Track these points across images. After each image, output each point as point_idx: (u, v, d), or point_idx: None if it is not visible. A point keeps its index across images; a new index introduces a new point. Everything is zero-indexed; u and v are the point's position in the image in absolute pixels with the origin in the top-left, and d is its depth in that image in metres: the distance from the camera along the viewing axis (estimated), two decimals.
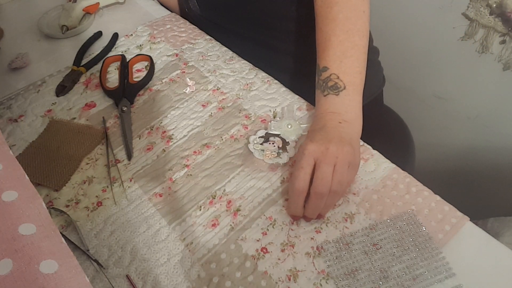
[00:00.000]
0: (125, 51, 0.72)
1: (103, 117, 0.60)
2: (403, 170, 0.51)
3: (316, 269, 0.43)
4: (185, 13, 0.80)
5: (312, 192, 0.43)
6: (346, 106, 0.49)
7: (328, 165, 0.43)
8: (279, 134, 0.55)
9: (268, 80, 0.64)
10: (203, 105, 0.61)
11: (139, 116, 0.60)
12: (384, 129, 0.83)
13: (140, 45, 0.73)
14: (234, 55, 0.69)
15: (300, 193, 0.44)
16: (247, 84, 0.63)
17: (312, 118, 0.53)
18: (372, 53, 0.77)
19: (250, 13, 0.69)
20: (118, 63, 0.69)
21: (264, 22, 0.69)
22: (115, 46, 0.73)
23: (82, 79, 0.67)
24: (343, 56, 0.50)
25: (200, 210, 0.49)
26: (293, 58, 0.72)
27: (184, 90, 0.64)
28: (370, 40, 0.76)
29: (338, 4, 0.51)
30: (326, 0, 0.52)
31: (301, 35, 0.68)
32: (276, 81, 0.64)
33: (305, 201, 0.45)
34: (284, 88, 0.62)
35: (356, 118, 0.49)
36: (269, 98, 0.61)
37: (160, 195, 0.50)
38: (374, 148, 0.54)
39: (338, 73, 0.50)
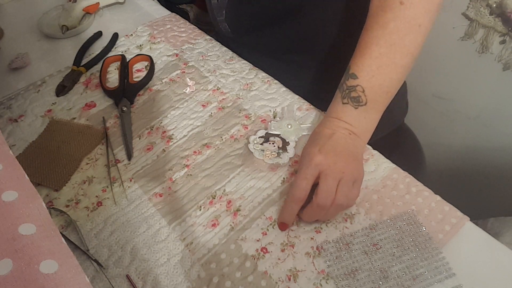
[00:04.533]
0: (125, 51, 0.72)
1: (103, 117, 0.60)
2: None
3: (316, 269, 0.43)
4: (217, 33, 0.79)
5: (315, 203, 0.43)
6: (360, 121, 0.48)
7: (334, 180, 0.43)
8: (279, 134, 0.55)
9: (268, 80, 0.64)
10: (203, 105, 0.61)
11: (139, 116, 0.60)
12: (398, 146, 0.81)
13: (140, 45, 0.73)
14: (234, 55, 0.69)
15: (299, 202, 0.44)
16: (247, 84, 0.63)
17: (323, 118, 0.51)
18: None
19: (285, 35, 0.66)
20: (118, 63, 0.69)
21: (298, 43, 0.67)
22: (115, 46, 0.73)
23: (82, 79, 0.67)
24: (377, 71, 0.47)
25: (200, 210, 0.49)
26: (323, 77, 0.69)
27: (184, 90, 0.64)
28: None
29: (393, 11, 0.47)
30: (383, 3, 0.48)
31: (336, 56, 0.65)
32: (276, 81, 0.64)
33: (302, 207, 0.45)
34: (284, 88, 0.62)
35: (366, 133, 0.49)
36: (269, 98, 0.61)
37: (160, 195, 0.50)
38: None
39: (365, 87, 0.47)
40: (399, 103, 0.78)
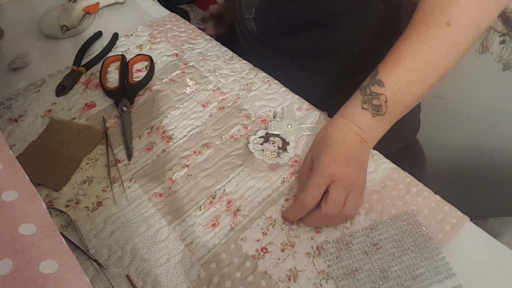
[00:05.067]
0: (125, 51, 0.72)
1: (103, 117, 0.60)
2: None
3: (316, 269, 0.43)
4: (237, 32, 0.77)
5: (323, 212, 0.43)
6: (374, 130, 0.48)
7: (344, 191, 0.43)
8: (279, 134, 0.55)
9: (268, 80, 0.64)
10: (203, 105, 0.61)
11: (139, 116, 0.60)
12: (404, 162, 0.80)
13: (140, 45, 0.73)
14: (234, 55, 0.69)
15: (307, 209, 0.44)
16: (247, 84, 0.63)
17: (336, 117, 0.50)
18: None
19: (313, 42, 0.64)
20: (118, 63, 0.69)
21: (325, 52, 0.65)
22: (115, 46, 0.73)
23: (82, 79, 0.67)
24: (405, 85, 0.46)
25: (200, 210, 0.49)
26: (341, 87, 0.66)
27: (184, 90, 0.64)
28: None
29: (438, 29, 0.44)
30: (428, 18, 0.45)
31: (360, 68, 0.61)
32: (276, 81, 0.64)
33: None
34: (284, 88, 0.62)
35: (374, 141, 0.49)
36: (269, 98, 0.61)
37: (160, 195, 0.50)
38: None
39: (388, 98, 0.46)
40: (411, 121, 0.77)
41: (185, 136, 0.57)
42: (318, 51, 0.66)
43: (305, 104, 0.60)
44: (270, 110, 0.59)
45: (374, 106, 0.47)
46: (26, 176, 0.28)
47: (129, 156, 0.55)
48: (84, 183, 0.52)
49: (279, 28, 0.66)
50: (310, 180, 0.44)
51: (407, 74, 0.46)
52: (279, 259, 0.44)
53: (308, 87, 0.64)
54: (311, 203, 0.43)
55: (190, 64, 0.68)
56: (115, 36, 0.74)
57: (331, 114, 0.59)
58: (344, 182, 0.43)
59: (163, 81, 0.66)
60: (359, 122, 0.47)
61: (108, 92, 0.64)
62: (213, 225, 0.47)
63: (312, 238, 0.45)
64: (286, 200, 0.49)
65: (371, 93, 0.47)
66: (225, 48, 0.71)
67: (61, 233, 0.29)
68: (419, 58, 0.45)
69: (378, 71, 0.47)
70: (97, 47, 0.73)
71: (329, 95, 0.68)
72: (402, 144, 0.76)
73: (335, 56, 0.65)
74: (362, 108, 0.48)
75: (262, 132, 0.56)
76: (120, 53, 0.71)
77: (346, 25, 0.60)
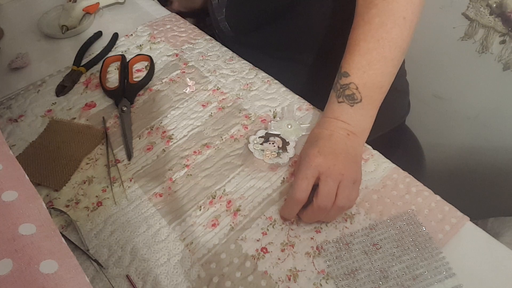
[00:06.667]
0: (125, 51, 0.72)
1: (103, 117, 0.60)
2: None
3: (316, 269, 0.43)
4: (215, 34, 0.79)
5: (316, 205, 0.43)
6: (358, 119, 0.48)
7: (333, 181, 0.43)
8: (279, 134, 0.55)
9: (268, 80, 0.64)
10: (203, 105, 0.61)
11: (139, 116, 0.60)
12: (399, 145, 0.82)
13: (140, 45, 0.73)
14: (234, 55, 0.69)
15: (299, 203, 0.44)
16: (247, 84, 0.63)
17: (320, 119, 0.52)
18: (401, 83, 0.75)
19: (283, 32, 0.67)
20: (118, 63, 0.69)
21: (296, 40, 0.68)
22: (115, 46, 0.73)
23: (82, 79, 0.67)
24: (367, 67, 0.48)
25: (200, 210, 0.49)
26: (321, 73, 0.70)
27: (184, 90, 0.64)
28: (403, 73, 0.74)
29: (377, 6, 0.48)
30: (367, 1, 0.49)
31: (334, 52, 0.64)
32: (276, 81, 0.64)
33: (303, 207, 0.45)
34: (284, 88, 0.62)
35: (364, 131, 0.49)
36: (269, 98, 0.61)
37: (160, 195, 0.50)
38: None
39: (358, 84, 0.48)
40: (401, 102, 0.78)
41: (185, 136, 0.57)
42: (289, 41, 0.68)
43: (305, 104, 0.60)
44: (270, 110, 0.59)
45: (347, 96, 0.48)
46: (26, 176, 0.28)
47: (129, 156, 0.55)
48: (84, 183, 0.52)
49: (250, 23, 0.69)
50: (297, 174, 0.45)
51: (365, 56, 0.48)
52: (279, 259, 0.44)
53: (288, 79, 0.64)
54: (301, 196, 0.43)
55: (190, 64, 0.68)
56: (115, 36, 0.74)
57: (313, 104, 0.59)
58: (332, 173, 0.43)
59: (163, 81, 0.66)
60: (340, 116, 0.49)
61: (108, 92, 0.64)
62: (213, 225, 0.47)
63: (312, 238, 0.45)
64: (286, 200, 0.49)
65: (341, 86, 0.49)
66: (225, 48, 0.71)
67: (61, 233, 0.29)
68: (371, 38, 0.48)
69: (341, 65, 0.50)
70: (97, 47, 0.73)
71: (309, 84, 0.70)
72: (392, 126, 0.77)
73: (306, 44, 0.68)
74: (338, 102, 0.49)
75: (262, 132, 0.56)
76: (120, 53, 0.71)
77: (309, 11, 0.63)
